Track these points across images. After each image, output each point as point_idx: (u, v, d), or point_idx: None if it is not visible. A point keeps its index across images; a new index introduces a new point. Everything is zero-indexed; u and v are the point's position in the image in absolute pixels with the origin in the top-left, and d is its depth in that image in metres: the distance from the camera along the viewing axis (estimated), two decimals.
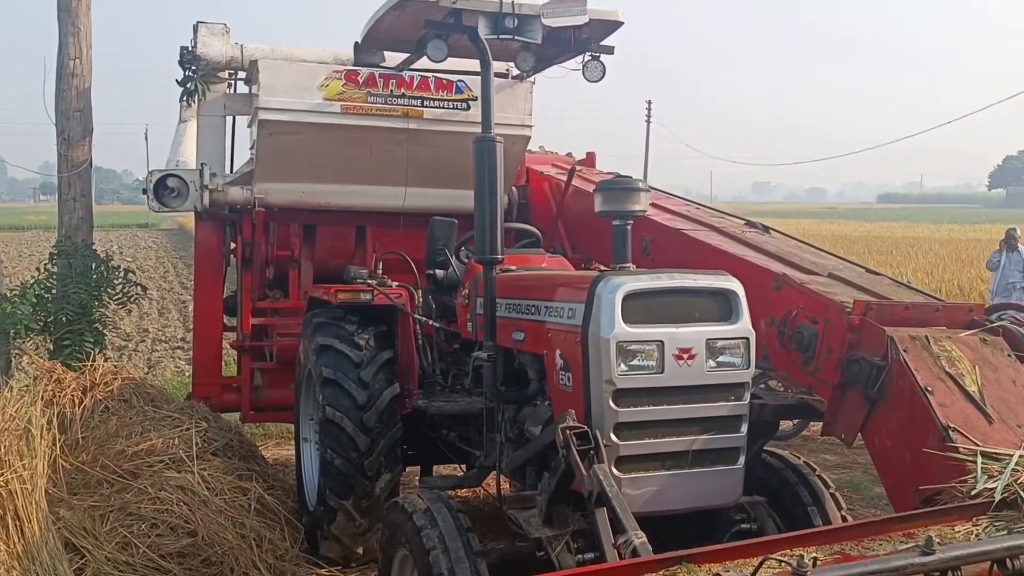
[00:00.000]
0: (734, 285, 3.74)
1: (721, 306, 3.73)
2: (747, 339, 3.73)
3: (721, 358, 3.69)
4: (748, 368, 3.74)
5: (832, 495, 4.18)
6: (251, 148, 6.96)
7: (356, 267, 5.98)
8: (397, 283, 5.80)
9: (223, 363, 7.53)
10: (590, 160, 7.71)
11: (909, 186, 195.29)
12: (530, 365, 4.32)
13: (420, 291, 5.91)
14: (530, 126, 6.71)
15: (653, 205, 5.93)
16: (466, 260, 5.44)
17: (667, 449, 3.63)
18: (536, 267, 5.18)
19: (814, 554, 2.69)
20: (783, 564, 2.03)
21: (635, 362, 3.58)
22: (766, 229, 5.52)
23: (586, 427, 3.41)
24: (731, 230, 5.36)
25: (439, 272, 5.75)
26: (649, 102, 45.81)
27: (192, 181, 6.76)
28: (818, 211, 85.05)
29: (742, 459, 3.77)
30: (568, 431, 3.37)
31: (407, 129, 6.48)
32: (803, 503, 4.13)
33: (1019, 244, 12.59)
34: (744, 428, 3.76)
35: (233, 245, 7.19)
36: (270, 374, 7.13)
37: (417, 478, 6.30)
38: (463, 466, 5.95)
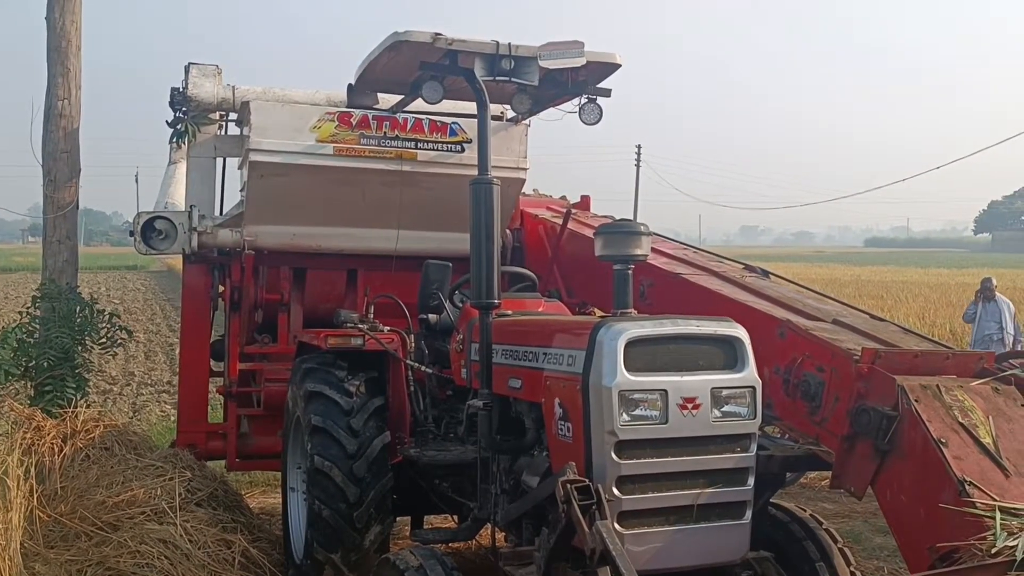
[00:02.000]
0: (739, 332, 3.63)
1: (726, 354, 3.62)
2: (753, 388, 3.61)
3: (727, 408, 3.57)
4: (755, 418, 3.62)
5: (840, 550, 4.04)
6: (241, 190, 6.85)
7: (347, 311, 5.86)
8: (389, 328, 5.67)
9: (209, 409, 7.34)
10: (585, 203, 7.63)
11: (895, 230, 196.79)
12: (527, 414, 4.18)
13: (412, 336, 5.77)
14: (525, 168, 6.64)
15: (651, 249, 5.85)
16: (460, 304, 5.31)
17: (672, 503, 3.49)
18: (533, 312, 5.06)
19: None
20: None
21: (638, 412, 3.45)
22: (766, 273, 5.42)
23: (587, 480, 3.26)
24: (731, 275, 5.26)
25: (432, 316, 5.63)
26: (639, 146, 46.22)
27: (180, 223, 6.64)
28: (807, 255, 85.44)
29: (749, 513, 3.62)
30: (569, 485, 3.22)
31: (400, 171, 6.40)
32: (811, 559, 3.99)
33: (996, 294, 12.19)
34: (751, 480, 3.62)
35: (221, 288, 7.04)
36: (257, 421, 6.94)
37: (407, 528, 6.11)
38: (455, 517, 5.76)
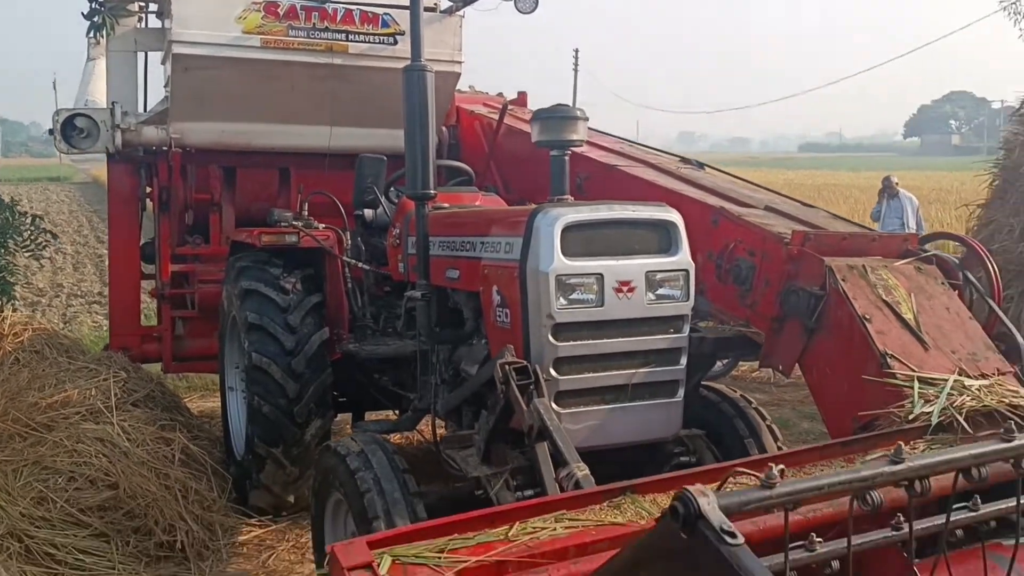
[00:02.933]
0: (674, 216, 3.67)
1: (661, 238, 3.66)
2: (687, 271, 3.67)
3: (660, 291, 3.62)
4: (687, 300, 3.69)
5: (768, 427, 4.19)
6: (165, 86, 6.60)
7: (280, 210, 5.77)
8: (324, 225, 5.60)
9: (142, 313, 7.22)
10: (522, 100, 7.54)
11: (829, 136, 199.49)
12: (465, 304, 4.20)
13: (348, 233, 5.72)
14: (460, 62, 6.50)
15: (587, 143, 5.83)
16: (396, 199, 5.25)
17: (607, 383, 3.57)
18: (470, 205, 5.04)
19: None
20: (751, 477, 1.98)
21: (575, 296, 3.49)
22: (701, 165, 5.46)
23: (525, 362, 3.31)
24: (667, 166, 5.28)
25: (368, 212, 5.56)
26: (576, 50, 45.59)
27: (103, 121, 6.40)
28: (743, 160, 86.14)
29: (681, 392, 3.73)
30: (507, 366, 3.26)
31: (331, 64, 6.22)
32: (740, 435, 4.13)
33: (899, 191, 12.32)
34: (683, 361, 3.71)
35: (149, 189, 6.85)
36: (192, 323, 6.86)
37: (350, 426, 6.16)
38: (397, 412, 5.83)
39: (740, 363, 8.68)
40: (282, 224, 5.52)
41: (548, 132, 3.84)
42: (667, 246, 3.65)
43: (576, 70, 44.82)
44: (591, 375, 3.54)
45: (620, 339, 3.57)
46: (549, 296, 3.44)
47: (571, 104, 4.27)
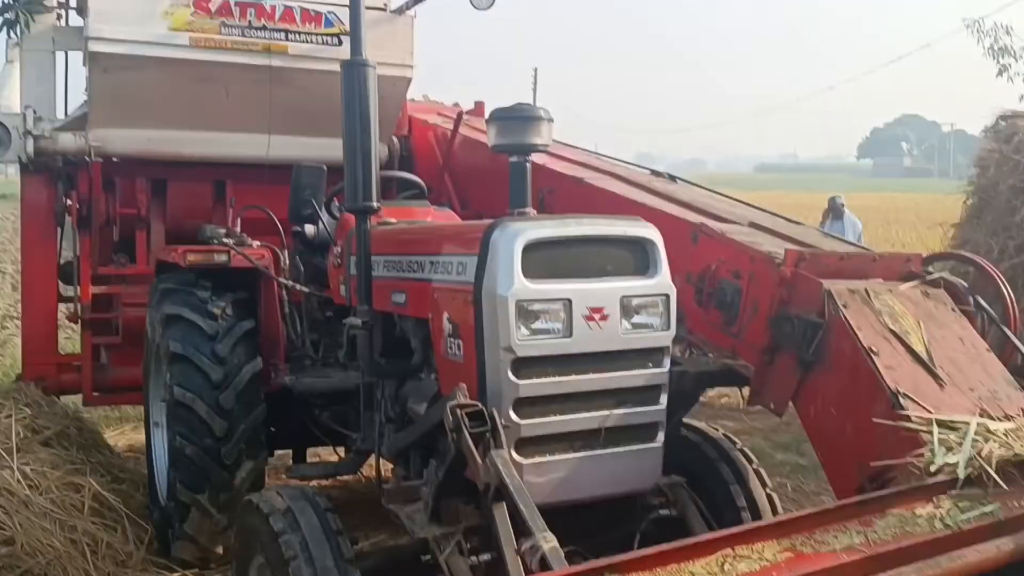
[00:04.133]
0: (651, 233, 3.19)
1: (637, 257, 3.17)
2: (667, 296, 3.18)
3: (637, 318, 3.14)
4: (668, 329, 3.20)
5: (756, 471, 3.72)
6: (86, 89, 6.00)
7: (212, 226, 5.23)
8: (259, 243, 5.07)
9: (61, 339, 6.56)
10: (479, 110, 7.03)
11: (784, 157, 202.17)
12: (413, 332, 3.67)
13: (286, 252, 5.17)
14: (411, 66, 5.99)
15: (549, 154, 5.36)
16: (339, 214, 4.72)
17: (576, 427, 3.06)
18: (420, 221, 4.53)
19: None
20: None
21: (538, 324, 2.99)
22: (673, 178, 5.01)
23: (480, 404, 2.79)
24: (637, 179, 4.82)
25: (309, 228, 5.03)
26: (536, 69, 45.32)
27: (15, 127, 5.77)
28: (700, 180, 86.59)
29: (661, 435, 3.24)
30: (459, 410, 2.74)
31: (269, 66, 5.67)
32: (725, 482, 3.66)
33: (845, 212, 12.00)
34: (663, 400, 3.22)
35: (68, 202, 6.22)
36: (117, 350, 6.22)
37: (291, 460, 5.59)
38: (340, 449, 5.28)
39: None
40: (213, 242, 4.97)
41: (507, 134, 3.34)
42: (644, 267, 3.17)
43: (535, 91, 44.55)
44: (557, 418, 3.02)
45: (591, 375, 3.07)
46: (508, 325, 2.93)
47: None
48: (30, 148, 5.70)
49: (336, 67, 5.63)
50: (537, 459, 2.99)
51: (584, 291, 3.03)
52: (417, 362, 3.69)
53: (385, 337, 3.78)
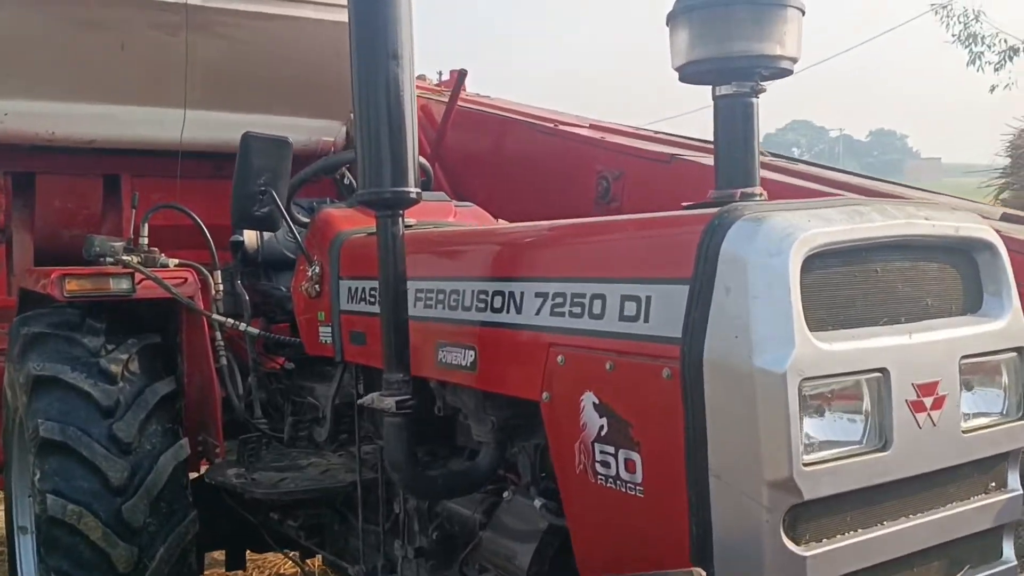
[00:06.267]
0: (990, 234, 1.68)
1: (967, 280, 1.66)
2: (1020, 351, 1.68)
3: (977, 395, 1.62)
4: (1021, 418, 1.69)
5: None
6: None
7: (104, 237, 3.51)
8: (178, 261, 3.51)
9: None
10: (453, 81, 5.42)
11: None
12: (490, 421, 2.08)
13: (219, 273, 3.51)
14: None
15: (597, 128, 3.86)
16: (314, 209, 3.13)
17: None
18: (442, 222, 2.92)
19: None
20: None
21: (829, 425, 1.44)
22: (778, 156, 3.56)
23: None
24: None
25: (250, 237, 3.52)
26: (462, 71, 43.79)
27: None
28: None
29: None
30: None
31: (184, 4, 3.96)
32: None
33: None
34: (1009, 550, 1.71)
35: None
36: None
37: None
38: (296, 553, 3.67)
39: None
40: (105, 260, 3.32)
41: (715, 41, 1.72)
42: (978, 297, 1.66)
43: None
44: None
45: (917, 519, 1.53)
46: (784, 431, 1.37)
47: None
48: None
49: (285, 10, 4.11)
50: None
51: (905, 351, 1.50)
52: (486, 467, 2.11)
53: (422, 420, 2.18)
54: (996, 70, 12.68)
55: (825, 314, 1.44)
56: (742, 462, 1.41)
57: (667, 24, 1.71)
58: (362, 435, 2.76)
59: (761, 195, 1.67)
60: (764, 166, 3.15)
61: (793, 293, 1.38)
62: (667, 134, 4.10)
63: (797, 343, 1.37)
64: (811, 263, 1.42)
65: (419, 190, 2.06)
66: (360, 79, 2.02)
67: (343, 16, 4.12)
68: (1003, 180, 7.75)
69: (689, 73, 1.69)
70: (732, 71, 1.64)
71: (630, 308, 1.59)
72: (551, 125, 3.82)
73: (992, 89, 12.85)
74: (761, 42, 1.59)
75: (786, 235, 1.41)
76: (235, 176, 2.86)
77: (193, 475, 3.35)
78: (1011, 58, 12.55)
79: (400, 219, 2.05)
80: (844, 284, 1.49)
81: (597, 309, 1.66)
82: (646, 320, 1.55)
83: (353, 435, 2.99)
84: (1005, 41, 12.46)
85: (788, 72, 1.68)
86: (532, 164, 3.76)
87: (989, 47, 12.43)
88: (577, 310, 1.71)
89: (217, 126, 4.42)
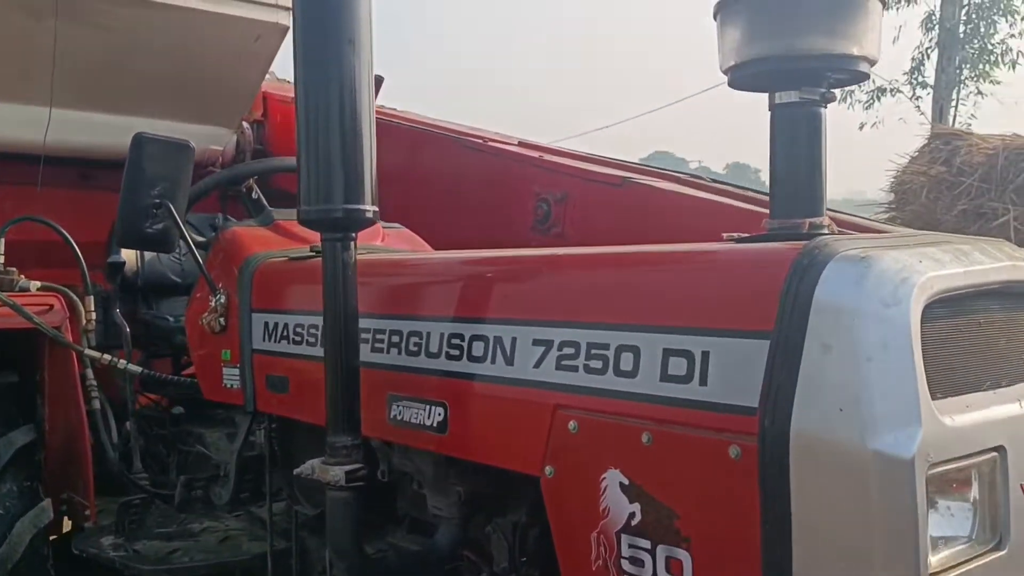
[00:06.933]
0: None
1: None
2: None
3: None
4: None
5: None
6: None
7: None
8: (41, 284, 2.89)
9: None
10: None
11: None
12: (453, 489, 1.70)
13: (92, 299, 2.97)
14: (287, 8, 3.90)
15: (527, 146, 3.53)
16: (216, 227, 2.66)
17: None
18: (371, 246, 2.52)
19: None
20: None
21: (949, 517, 1.14)
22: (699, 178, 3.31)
23: None
24: (691, 182, 3.05)
25: (129, 258, 2.98)
26: (378, 77, 42.82)
27: None
28: None
29: None
30: None
31: None
32: None
33: None
34: None
35: None
36: None
37: None
38: None
39: None
40: None
41: (778, 36, 1.39)
42: None
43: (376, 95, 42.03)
44: None
45: None
46: (909, 529, 1.06)
47: None
48: None
49: None
50: None
51: (1019, 423, 1.22)
52: (447, 542, 1.73)
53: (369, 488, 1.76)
54: (865, 108, 13.19)
55: (941, 379, 1.14)
56: (844, 568, 1.09)
57: (714, 17, 1.39)
58: (272, 493, 2.33)
59: (826, 224, 1.37)
60: (686, 183, 2.93)
61: (916, 354, 1.08)
62: (608, 157, 3.81)
63: (924, 419, 1.07)
64: (926, 315, 1.13)
65: (376, 208, 1.67)
66: (307, 68, 1.62)
67: (241, 10, 3.68)
68: (889, 214, 7.90)
69: (742, 76, 1.36)
70: (798, 74, 1.32)
71: (677, 365, 1.25)
72: (479, 140, 3.46)
73: (861, 127, 13.36)
74: (836, 39, 1.29)
75: (902, 280, 1.10)
76: (124, 185, 2.36)
77: (54, 537, 2.82)
78: (879, 98, 13.09)
79: (353, 244, 1.65)
80: (952, 341, 1.20)
81: (627, 365, 1.31)
82: (702, 382, 1.21)
83: (255, 494, 2.55)
84: (874, 81, 12.98)
85: (865, 77, 1.39)
86: (455, 183, 3.38)
87: (859, 86, 12.91)
88: (597, 364, 1.36)
89: (87, 128, 3.82)
